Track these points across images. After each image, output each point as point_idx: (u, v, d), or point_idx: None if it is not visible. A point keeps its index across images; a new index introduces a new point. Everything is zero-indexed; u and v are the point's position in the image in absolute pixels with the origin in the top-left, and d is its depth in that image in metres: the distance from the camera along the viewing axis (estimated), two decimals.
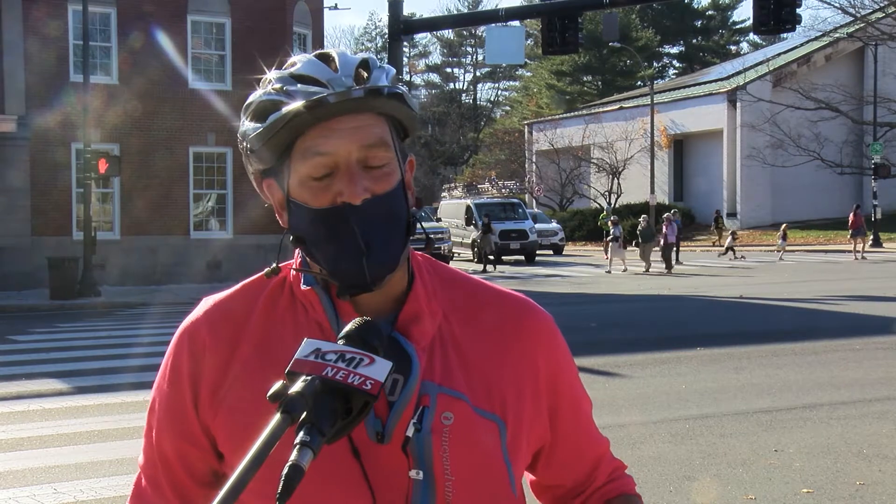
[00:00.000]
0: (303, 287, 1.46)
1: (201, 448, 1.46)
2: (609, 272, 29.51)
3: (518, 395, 1.46)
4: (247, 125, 1.42)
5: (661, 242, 29.27)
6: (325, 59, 1.41)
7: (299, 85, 1.38)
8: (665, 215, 30.64)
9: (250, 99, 1.43)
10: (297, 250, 1.48)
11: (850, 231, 34.25)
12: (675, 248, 29.86)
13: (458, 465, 1.38)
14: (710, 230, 44.82)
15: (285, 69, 1.43)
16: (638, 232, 30.16)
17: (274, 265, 1.49)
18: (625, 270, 29.62)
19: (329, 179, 1.37)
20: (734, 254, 35.54)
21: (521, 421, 1.45)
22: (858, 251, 33.67)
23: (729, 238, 36.54)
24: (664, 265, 29.10)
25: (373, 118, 1.38)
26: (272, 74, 1.43)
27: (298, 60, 1.42)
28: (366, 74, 1.39)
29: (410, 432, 1.36)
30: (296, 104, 1.35)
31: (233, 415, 1.42)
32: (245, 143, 1.43)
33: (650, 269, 29.18)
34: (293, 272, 1.49)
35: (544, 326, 1.52)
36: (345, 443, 1.35)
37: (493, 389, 1.44)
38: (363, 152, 1.37)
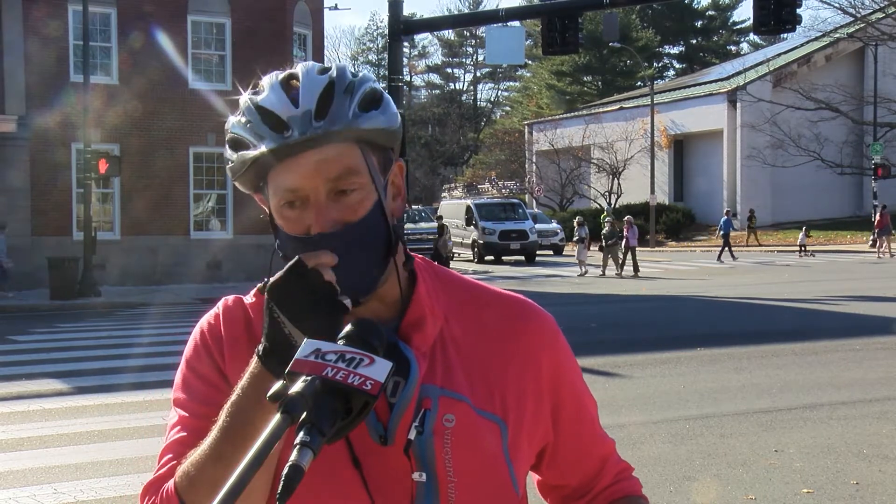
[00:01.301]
0: None
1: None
2: (583, 275, 28.82)
3: (520, 395, 1.47)
4: (226, 151, 1.44)
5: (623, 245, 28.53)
6: (290, 85, 1.40)
7: (261, 125, 1.38)
8: (626, 218, 29.82)
9: (227, 124, 1.44)
10: None
11: (875, 230, 34.30)
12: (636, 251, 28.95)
13: (461, 466, 1.39)
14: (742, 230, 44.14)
15: (253, 94, 1.42)
16: (602, 235, 29.45)
17: (266, 280, 1.50)
18: (584, 274, 28.92)
19: (300, 212, 1.38)
20: (804, 251, 35.12)
21: (522, 421, 1.46)
22: (885, 251, 33.70)
23: (802, 234, 35.83)
24: (622, 268, 28.36)
25: (340, 146, 1.37)
26: (243, 99, 1.43)
27: (265, 85, 1.41)
28: (330, 103, 1.37)
29: (412, 435, 1.37)
30: (256, 151, 1.37)
31: None
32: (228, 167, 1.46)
33: (608, 271, 28.59)
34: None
35: (546, 328, 1.53)
36: (345, 448, 1.36)
37: (494, 390, 1.45)
38: (329, 185, 1.37)
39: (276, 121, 1.37)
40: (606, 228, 28.98)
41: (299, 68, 1.42)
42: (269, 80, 1.42)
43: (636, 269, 28.39)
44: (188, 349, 1.51)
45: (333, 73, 1.40)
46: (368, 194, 1.39)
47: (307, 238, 1.37)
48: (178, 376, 1.51)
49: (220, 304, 1.53)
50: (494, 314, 1.51)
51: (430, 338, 1.44)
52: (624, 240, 28.58)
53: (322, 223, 1.36)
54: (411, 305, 1.45)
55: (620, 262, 28.42)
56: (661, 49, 76.48)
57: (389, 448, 1.38)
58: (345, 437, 1.23)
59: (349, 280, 1.35)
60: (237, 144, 1.41)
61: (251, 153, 1.38)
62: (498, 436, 1.43)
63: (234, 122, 1.42)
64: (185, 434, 1.43)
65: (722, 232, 34.59)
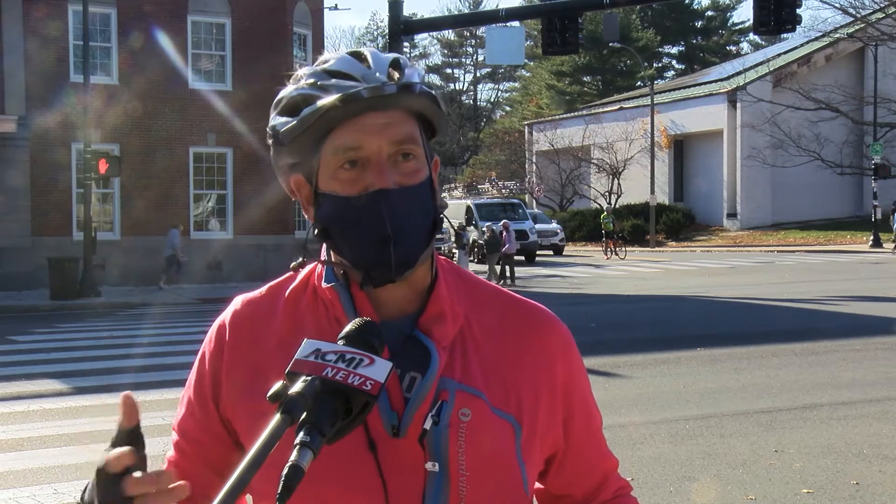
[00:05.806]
0: (324, 285, 1.49)
1: (220, 441, 1.50)
2: None
3: (534, 400, 1.48)
4: (277, 120, 1.45)
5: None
6: (358, 56, 1.45)
7: (333, 80, 1.41)
8: (503, 222, 28.07)
9: (281, 94, 1.46)
10: (322, 249, 1.51)
11: None
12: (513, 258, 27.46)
13: (474, 461, 1.40)
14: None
15: (318, 65, 1.46)
16: (483, 242, 28.22)
17: (301, 259, 1.52)
18: None
19: (359, 173, 1.40)
20: None
21: (535, 425, 1.48)
22: None
23: None
24: (501, 278, 26.70)
25: (403, 115, 1.41)
26: (304, 70, 1.46)
27: (332, 57, 1.45)
28: (397, 72, 1.42)
29: (428, 425, 1.38)
30: (330, 98, 1.38)
31: (252, 408, 1.44)
32: (273, 138, 1.46)
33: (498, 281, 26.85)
34: (318, 264, 1.52)
35: (563, 337, 1.55)
36: (362, 438, 1.38)
37: (510, 392, 1.46)
38: (393, 148, 1.40)
39: (348, 77, 1.41)
40: (487, 235, 27.44)
41: (361, 49, 1.47)
42: (333, 54, 1.46)
43: (511, 277, 26.79)
44: (194, 364, 1.55)
45: (394, 53, 1.47)
46: (423, 167, 1.44)
47: (365, 195, 1.39)
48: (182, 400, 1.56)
49: (231, 309, 1.55)
50: (513, 319, 1.53)
51: (450, 333, 1.46)
52: (503, 247, 26.78)
53: (384, 180, 1.39)
54: (431, 300, 1.47)
55: (498, 271, 26.98)
56: (661, 49, 76.46)
57: (403, 439, 1.39)
58: (362, 423, 1.23)
59: (401, 243, 1.39)
60: (296, 106, 1.42)
61: (323, 101, 1.39)
62: (511, 435, 1.44)
63: (294, 87, 1.45)
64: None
65: None
